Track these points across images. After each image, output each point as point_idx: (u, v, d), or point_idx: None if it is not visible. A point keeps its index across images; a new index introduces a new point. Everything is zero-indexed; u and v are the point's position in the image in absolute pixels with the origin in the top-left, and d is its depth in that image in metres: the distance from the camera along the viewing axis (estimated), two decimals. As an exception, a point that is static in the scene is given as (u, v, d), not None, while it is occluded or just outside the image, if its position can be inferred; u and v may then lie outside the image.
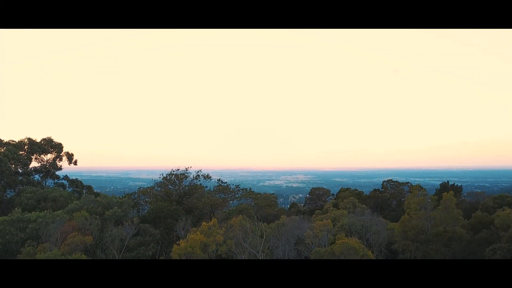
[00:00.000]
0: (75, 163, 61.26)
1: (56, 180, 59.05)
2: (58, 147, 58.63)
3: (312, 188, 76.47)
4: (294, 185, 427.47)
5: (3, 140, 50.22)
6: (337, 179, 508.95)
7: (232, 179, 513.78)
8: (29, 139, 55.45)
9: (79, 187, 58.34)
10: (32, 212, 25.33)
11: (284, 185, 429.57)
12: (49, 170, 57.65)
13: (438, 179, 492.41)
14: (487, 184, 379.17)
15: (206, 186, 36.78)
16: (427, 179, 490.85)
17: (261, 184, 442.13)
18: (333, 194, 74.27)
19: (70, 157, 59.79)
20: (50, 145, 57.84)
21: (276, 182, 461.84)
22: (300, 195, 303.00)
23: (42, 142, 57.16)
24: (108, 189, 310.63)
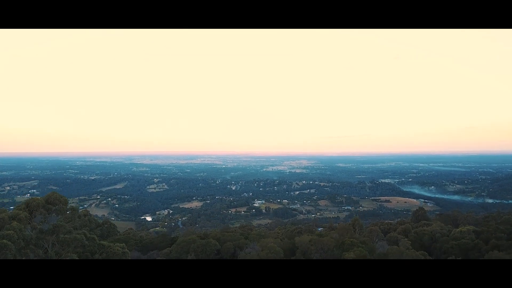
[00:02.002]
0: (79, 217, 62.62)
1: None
2: (63, 203, 59.27)
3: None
4: (297, 170, 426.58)
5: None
6: (341, 165, 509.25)
7: (235, 164, 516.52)
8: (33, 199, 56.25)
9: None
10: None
11: (288, 170, 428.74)
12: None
13: (442, 164, 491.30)
14: (491, 170, 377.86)
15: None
16: (431, 164, 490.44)
17: (264, 169, 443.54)
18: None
19: (74, 212, 60.86)
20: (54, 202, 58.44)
21: (280, 168, 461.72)
22: (304, 182, 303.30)
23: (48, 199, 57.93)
24: (111, 175, 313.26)
